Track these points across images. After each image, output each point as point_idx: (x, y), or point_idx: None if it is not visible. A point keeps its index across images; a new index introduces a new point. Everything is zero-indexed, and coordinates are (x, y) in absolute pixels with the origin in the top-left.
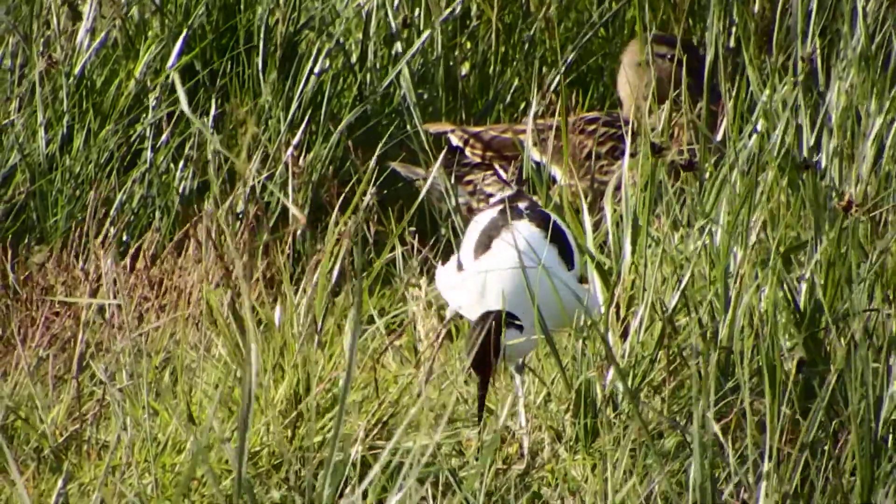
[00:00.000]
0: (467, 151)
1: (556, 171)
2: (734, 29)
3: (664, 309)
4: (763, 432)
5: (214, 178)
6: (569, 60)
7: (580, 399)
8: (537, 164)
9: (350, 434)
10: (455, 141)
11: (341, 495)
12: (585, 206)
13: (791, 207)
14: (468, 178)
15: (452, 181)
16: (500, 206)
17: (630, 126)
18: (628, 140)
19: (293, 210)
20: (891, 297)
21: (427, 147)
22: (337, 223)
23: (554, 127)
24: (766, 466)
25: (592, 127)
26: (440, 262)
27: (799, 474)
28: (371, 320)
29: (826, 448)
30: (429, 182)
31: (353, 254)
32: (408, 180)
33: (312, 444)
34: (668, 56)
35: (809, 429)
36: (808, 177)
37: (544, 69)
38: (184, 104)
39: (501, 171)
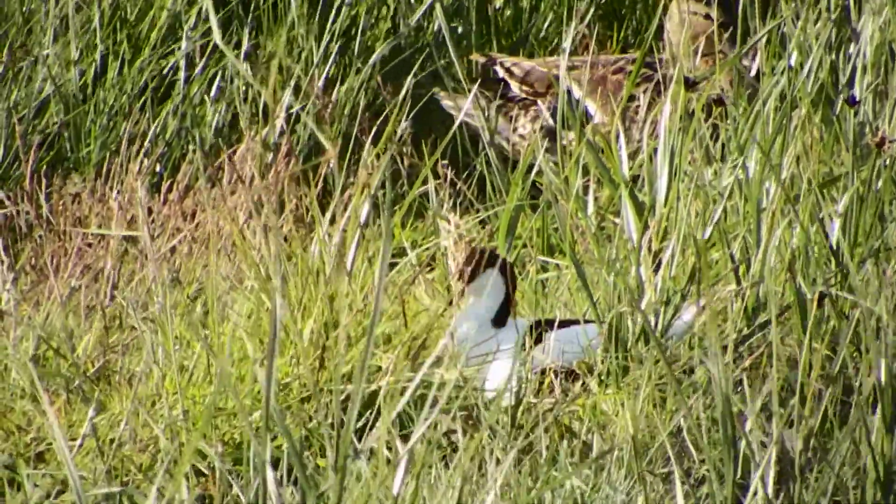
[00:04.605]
0: (512, 85)
1: (591, 106)
2: None
3: (696, 243)
4: (793, 369)
5: (243, 111)
6: None
7: (612, 333)
8: (575, 99)
9: (380, 366)
10: (501, 72)
11: (372, 427)
12: (623, 138)
13: (824, 142)
14: (510, 113)
15: (493, 113)
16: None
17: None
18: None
19: (323, 140)
20: None
21: (462, 79)
22: (369, 155)
23: (589, 62)
24: (794, 400)
25: (632, 67)
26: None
27: (825, 410)
28: (403, 253)
29: (854, 384)
30: (464, 110)
31: (385, 186)
32: (447, 110)
33: (341, 376)
34: (704, 14)
35: (834, 364)
36: (841, 112)
37: (578, 2)
38: (216, 35)
39: (544, 108)
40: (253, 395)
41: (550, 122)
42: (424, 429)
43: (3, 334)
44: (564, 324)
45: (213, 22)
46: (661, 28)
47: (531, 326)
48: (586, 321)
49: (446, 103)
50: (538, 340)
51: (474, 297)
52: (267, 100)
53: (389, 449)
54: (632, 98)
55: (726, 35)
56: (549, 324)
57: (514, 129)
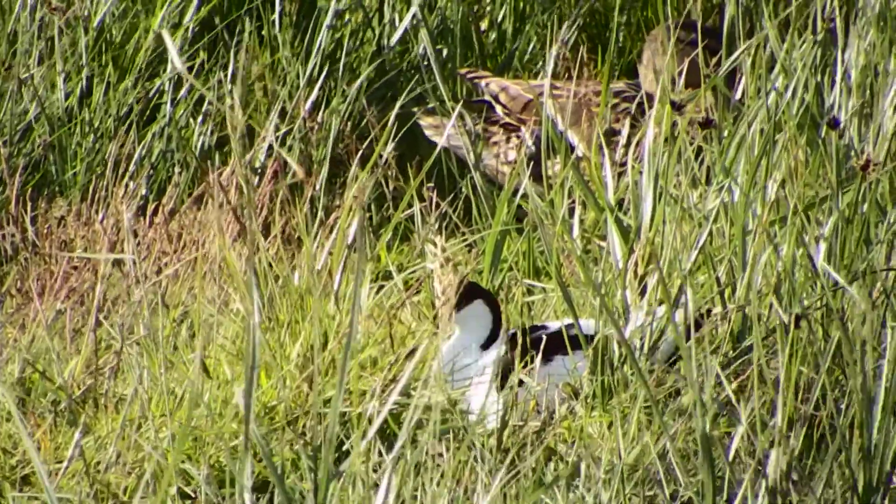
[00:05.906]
0: (497, 109)
1: (574, 138)
2: None
3: (682, 267)
4: (778, 392)
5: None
6: (583, 13)
7: (597, 356)
8: (559, 132)
9: (365, 390)
10: (486, 96)
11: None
12: (608, 164)
13: (809, 165)
14: (494, 139)
15: (475, 138)
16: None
17: (648, 97)
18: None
19: (293, 164)
20: None
21: (446, 101)
22: (355, 178)
23: (572, 92)
24: (779, 422)
25: (616, 101)
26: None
27: (814, 432)
28: (388, 276)
29: (842, 407)
30: (446, 134)
31: (370, 209)
32: (429, 137)
33: (324, 400)
34: (690, 41)
35: (816, 387)
36: (827, 135)
37: (564, 26)
38: (177, 63)
39: (527, 135)
40: (239, 418)
41: (533, 149)
42: (405, 444)
43: None
44: (551, 338)
45: (173, 53)
46: (640, 55)
47: (512, 336)
48: (571, 344)
49: (429, 132)
50: (524, 350)
51: (460, 330)
52: (242, 126)
53: (375, 471)
54: (615, 133)
55: (713, 60)
56: (535, 337)
57: (497, 156)
